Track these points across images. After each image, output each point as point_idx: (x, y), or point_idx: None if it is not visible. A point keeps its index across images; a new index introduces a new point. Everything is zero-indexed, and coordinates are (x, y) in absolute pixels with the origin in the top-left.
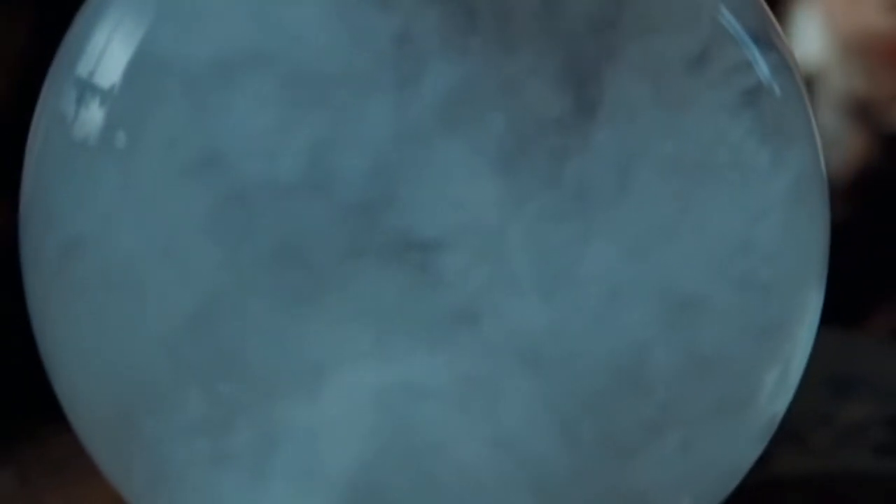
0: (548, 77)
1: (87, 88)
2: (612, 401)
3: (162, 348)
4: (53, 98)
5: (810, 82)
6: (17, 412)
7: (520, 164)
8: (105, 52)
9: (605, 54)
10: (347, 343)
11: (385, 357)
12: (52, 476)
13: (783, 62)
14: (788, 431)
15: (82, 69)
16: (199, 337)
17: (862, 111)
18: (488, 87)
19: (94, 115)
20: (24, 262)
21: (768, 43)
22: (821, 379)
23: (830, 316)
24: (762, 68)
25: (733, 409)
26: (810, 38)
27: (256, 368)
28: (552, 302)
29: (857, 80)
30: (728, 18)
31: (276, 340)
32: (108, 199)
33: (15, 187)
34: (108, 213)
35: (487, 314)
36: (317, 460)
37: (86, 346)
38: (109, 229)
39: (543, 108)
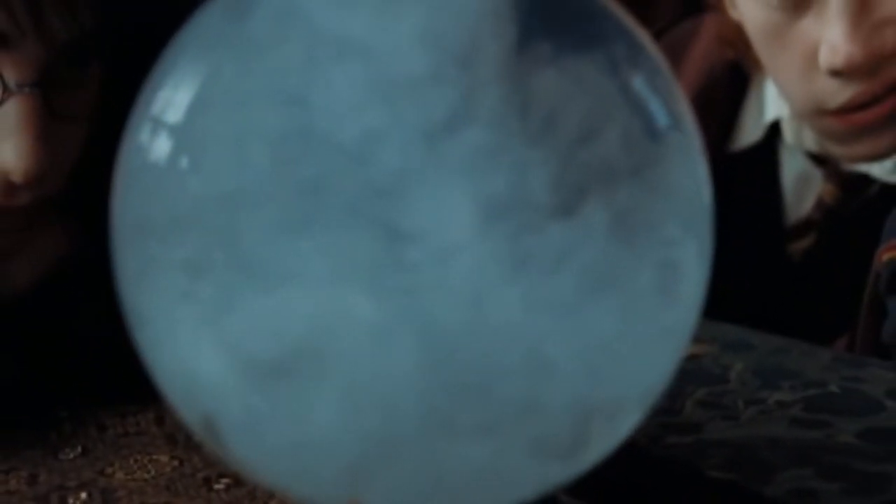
0: (551, 176)
1: (158, 124)
2: (466, 395)
3: (192, 203)
4: (134, 131)
5: (777, 132)
6: (82, 401)
7: (497, 218)
8: (171, 98)
9: (603, 186)
10: (316, 266)
11: (334, 284)
12: (112, 452)
13: (702, 250)
14: (723, 409)
15: (155, 110)
16: (219, 210)
17: (822, 158)
18: (505, 159)
19: (163, 144)
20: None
21: (701, 234)
22: (759, 372)
23: (801, 335)
24: (688, 251)
25: (540, 449)
26: (775, 100)
27: (243, 251)
28: (468, 314)
29: (812, 136)
30: (687, 210)
31: (268, 240)
32: (210, 92)
33: (88, 213)
34: (204, 101)
35: (420, 297)
36: (251, 334)
37: (143, 181)
38: (203, 109)
39: (536, 193)
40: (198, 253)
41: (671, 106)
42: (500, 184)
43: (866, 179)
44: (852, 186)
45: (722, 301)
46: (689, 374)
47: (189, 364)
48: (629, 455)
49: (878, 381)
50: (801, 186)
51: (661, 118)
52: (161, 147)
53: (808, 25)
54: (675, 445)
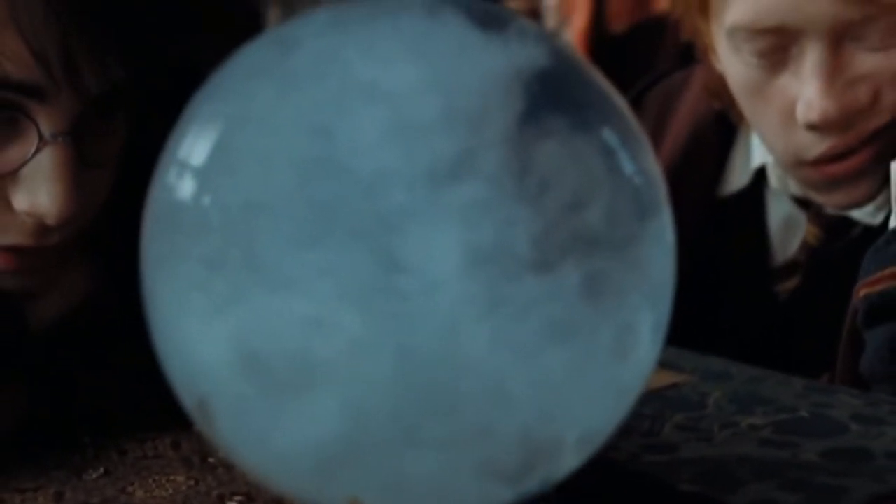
0: (536, 235)
1: (184, 167)
2: (431, 412)
3: (219, 208)
4: (162, 173)
5: (764, 177)
6: (104, 428)
7: (480, 264)
8: (194, 145)
9: (581, 251)
10: (317, 278)
11: (330, 297)
12: (132, 473)
13: (660, 322)
14: (699, 431)
15: (181, 154)
16: (242, 216)
17: (806, 202)
18: (497, 214)
19: (187, 185)
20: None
21: (661, 309)
22: (735, 399)
23: (786, 371)
24: (646, 320)
25: (488, 470)
26: (760, 147)
27: (257, 255)
28: (443, 342)
29: (794, 183)
30: (653, 286)
31: (280, 249)
32: (249, 111)
33: (111, 254)
34: (243, 118)
35: (403, 321)
36: (251, 329)
37: (187, 175)
38: (243, 122)
39: (519, 248)
40: (217, 250)
41: (654, 192)
42: (488, 234)
43: (849, 222)
44: (835, 229)
45: (711, 337)
46: (669, 400)
47: (193, 348)
48: (609, 470)
49: (845, 407)
50: (786, 229)
51: (644, 202)
52: (186, 187)
53: (785, 82)
54: (651, 463)
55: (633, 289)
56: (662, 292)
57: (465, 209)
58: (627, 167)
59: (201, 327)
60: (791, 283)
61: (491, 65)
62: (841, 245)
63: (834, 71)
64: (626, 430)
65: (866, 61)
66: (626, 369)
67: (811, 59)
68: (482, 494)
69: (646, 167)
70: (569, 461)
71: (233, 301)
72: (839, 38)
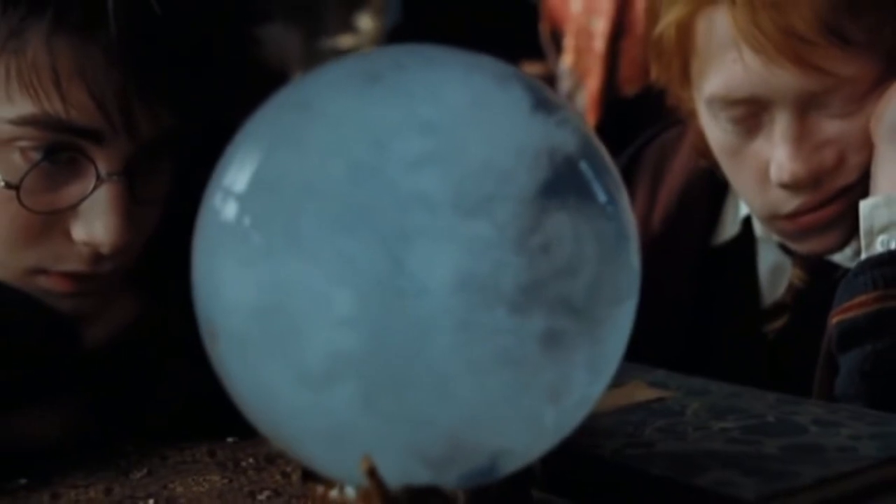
0: (522, 283)
1: (227, 193)
2: (390, 392)
3: (278, 178)
4: (209, 199)
5: (750, 230)
6: (148, 436)
7: (467, 288)
8: (237, 173)
9: (555, 308)
10: (336, 260)
11: (340, 279)
12: (173, 473)
13: (596, 384)
14: (675, 433)
15: (226, 182)
16: (292, 189)
17: (787, 248)
18: (496, 255)
19: (231, 209)
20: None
21: (601, 376)
22: (712, 409)
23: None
24: (583, 380)
25: (417, 452)
26: (742, 208)
27: (293, 225)
28: (415, 340)
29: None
30: (602, 358)
31: (315, 226)
32: (329, 105)
33: (154, 284)
34: (321, 111)
35: (390, 314)
36: (267, 283)
37: (261, 144)
38: (318, 116)
39: (503, 287)
40: (264, 211)
41: (632, 281)
42: (483, 268)
43: (831, 265)
44: (819, 272)
45: (704, 374)
46: (653, 410)
47: (217, 285)
48: (593, 462)
49: (808, 414)
50: (774, 273)
51: (621, 290)
52: (257, 152)
53: (759, 146)
54: (630, 456)
55: (583, 355)
56: (607, 367)
57: (473, 242)
58: (617, 257)
59: (231, 272)
60: (778, 323)
61: (529, 135)
62: (824, 287)
63: (801, 136)
64: (610, 433)
65: (831, 127)
66: (554, 411)
67: (780, 125)
68: (405, 470)
69: (630, 258)
70: (484, 468)
71: (262, 256)
72: (805, 107)
